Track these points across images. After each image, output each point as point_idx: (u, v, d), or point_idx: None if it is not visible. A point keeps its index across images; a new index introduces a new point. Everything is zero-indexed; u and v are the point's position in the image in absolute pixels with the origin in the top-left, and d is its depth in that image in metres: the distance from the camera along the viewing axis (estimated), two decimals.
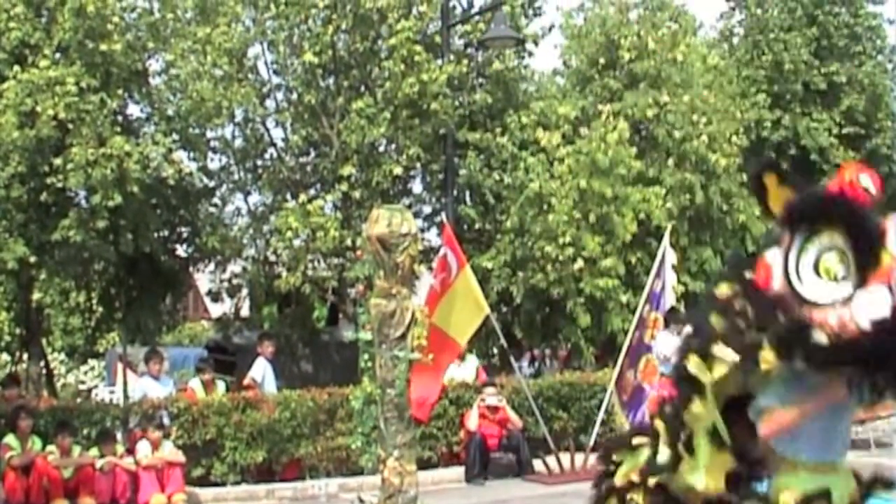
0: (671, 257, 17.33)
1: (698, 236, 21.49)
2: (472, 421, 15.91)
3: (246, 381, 16.78)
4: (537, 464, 16.16)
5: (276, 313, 24.08)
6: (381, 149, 21.26)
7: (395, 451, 7.22)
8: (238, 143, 21.76)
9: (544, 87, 23.53)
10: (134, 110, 19.77)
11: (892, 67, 28.45)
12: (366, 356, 7.49)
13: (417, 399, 14.25)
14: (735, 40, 27.79)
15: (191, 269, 22.93)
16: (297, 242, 19.92)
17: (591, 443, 16.31)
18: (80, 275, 19.34)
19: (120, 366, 21.84)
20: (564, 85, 24.02)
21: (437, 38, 20.95)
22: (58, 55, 17.23)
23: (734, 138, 22.02)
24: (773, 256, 4.27)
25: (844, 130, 25.08)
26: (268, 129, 21.87)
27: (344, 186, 20.11)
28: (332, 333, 24.43)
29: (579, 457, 16.07)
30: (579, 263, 19.09)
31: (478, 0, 22.85)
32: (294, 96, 21.44)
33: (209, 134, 20.78)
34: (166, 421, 14.70)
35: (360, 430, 7.47)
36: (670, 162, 21.13)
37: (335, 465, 15.56)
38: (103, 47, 17.04)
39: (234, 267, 22.65)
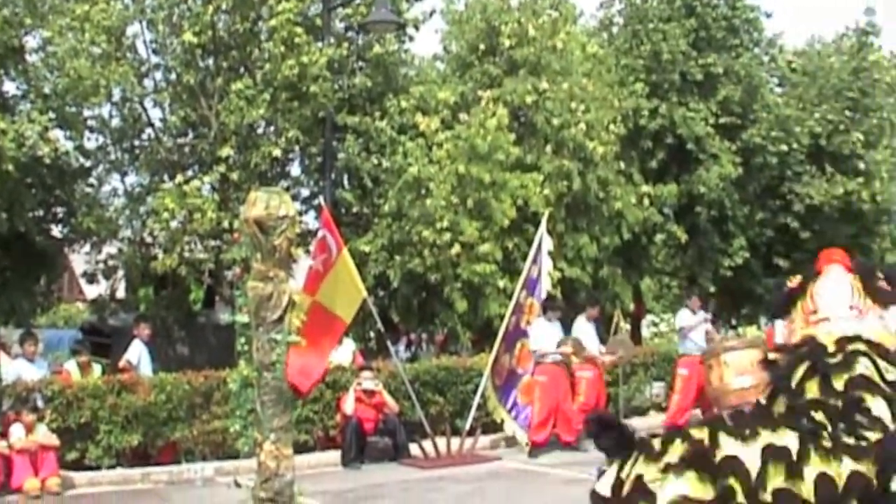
0: (548, 243, 17.49)
1: (575, 223, 21.66)
2: (349, 405, 15.91)
3: (121, 364, 16.62)
4: (413, 448, 16.21)
5: (153, 295, 23.78)
6: (260, 131, 21.17)
7: (272, 435, 7.19)
8: (115, 122, 21.52)
9: (424, 71, 23.56)
10: (10, 87, 19.51)
11: (768, 60, 28.95)
12: (242, 339, 7.44)
13: (301, 371, 14.65)
14: (614, 29, 28.00)
15: (66, 249, 22.65)
16: (173, 224, 19.73)
17: (467, 427, 16.43)
18: None
19: None
20: (444, 70, 24.06)
21: (318, 21, 20.93)
22: None
23: (612, 126, 22.22)
24: None
25: (721, 120, 25.41)
26: (146, 109, 21.63)
27: (222, 168, 19.96)
28: (209, 316, 24.27)
29: (455, 441, 16.18)
30: (457, 248, 19.17)
31: None
32: (173, 76, 21.25)
33: (86, 113, 20.56)
34: (40, 404, 14.43)
35: (236, 414, 7.43)
36: (548, 149, 21.27)
37: (211, 448, 15.45)
38: None
39: (110, 248, 22.40)
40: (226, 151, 20.00)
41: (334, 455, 15.95)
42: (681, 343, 18.99)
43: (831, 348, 5.89)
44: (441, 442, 16.06)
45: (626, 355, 18.85)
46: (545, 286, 17.40)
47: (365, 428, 15.99)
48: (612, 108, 22.73)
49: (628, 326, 25.98)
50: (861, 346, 5.87)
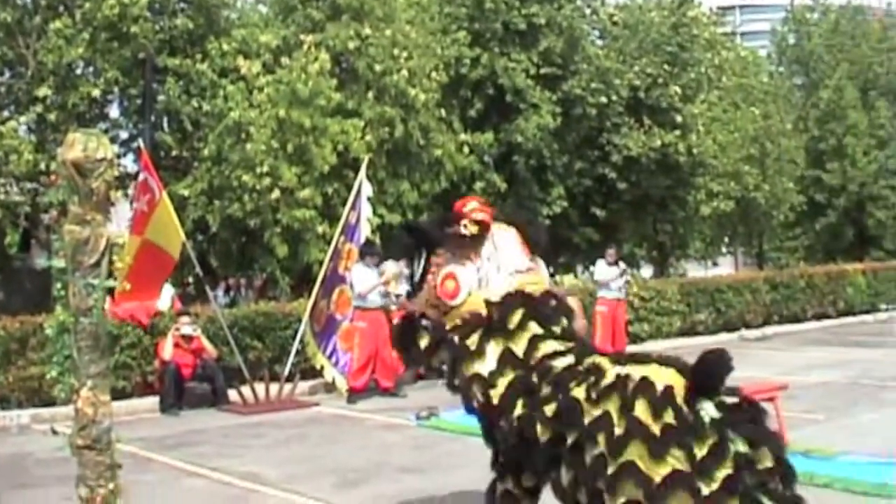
0: (367, 189, 17.55)
1: (396, 169, 21.77)
2: (167, 350, 15.77)
3: None
4: (232, 394, 16.18)
5: None
6: (79, 71, 20.77)
7: (89, 381, 7.09)
8: None
9: (247, 14, 23.36)
10: None
11: (590, 12, 29.39)
12: (59, 284, 7.35)
13: (139, 308, 15.60)
14: None
15: None
16: None
17: (286, 373, 16.44)
18: None
19: None
20: (267, 13, 23.86)
21: None
22: None
23: (434, 74, 22.34)
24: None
25: (542, 71, 25.65)
26: None
27: (39, 108, 19.55)
28: (25, 260, 23.80)
29: (274, 387, 16.17)
30: (276, 193, 19.11)
31: None
32: None
33: None
34: None
35: (53, 360, 7.34)
36: (370, 95, 21.29)
37: (27, 395, 15.19)
38: None
39: None
40: (43, 91, 19.57)
41: (152, 401, 15.82)
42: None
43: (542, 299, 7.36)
44: (260, 388, 16.03)
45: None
46: (364, 232, 17.47)
47: (183, 374, 15.88)
48: (435, 56, 22.84)
49: None
50: (554, 301, 7.43)
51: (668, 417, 5.92)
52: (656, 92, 27.45)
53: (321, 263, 17.41)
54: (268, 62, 20.60)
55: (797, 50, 43.51)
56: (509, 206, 25.69)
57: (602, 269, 20.86)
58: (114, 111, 22.93)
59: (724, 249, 44.09)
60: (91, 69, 20.76)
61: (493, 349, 7.12)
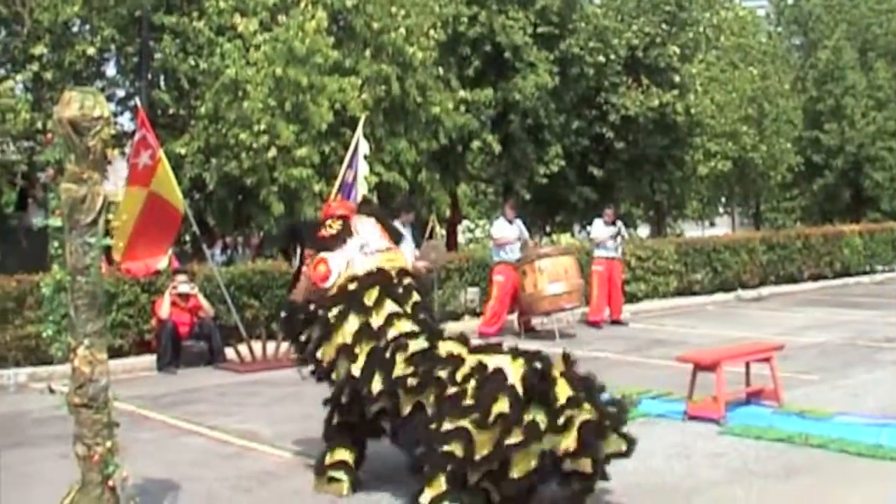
0: (364, 148, 17.51)
1: (393, 127, 21.71)
2: (164, 309, 15.80)
3: None
4: (229, 352, 16.21)
5: None
6: (75, 29, 20.70)
7: (86, 340, 7.10)
8: None
9: None
10: None
11: None
12: (56, 243, 7.32)
13: (146, 262, 15.82)
14: None
15: None
16: None
17: None
18: None
19: None
20: None
21: None
22: None
23: (431, 32, 22.23)
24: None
25: (539, 30, 25.53)
26: None
27: (35, 67, 19.48)
28: (22, 219, 23.80)
29: (271, 345, 16.19)
30: (273, 152, 19.04)
31: None
32: None
33: None
34: None
35: (50, 319, 7.33)
36: (367, 53, 21.21)
37: (24, 354, 15.24)
38: None
39: None
40: (39, 50, 19.50)
41: (149, 359, 15.87)
42: (495, 252, 19.54)
43: (395, 277, 8.57)
44: (256, 346, 16.09)
45: (439, 260, 19.06)
46: (361, 190, 17.44)
47: (180, 332, 15.92)
48: (432, 14, 22.73)
49: (444, 232, 26.27)
50: (408, 279, 8.70)
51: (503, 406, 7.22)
52: (654, 51, 27.40)
53: None
54: (265, 20, 20.47)
55: (795, 10, 43.44)
56: (505, 165, 25.72)
57: (599, 229, 20.84)
58: (110, 69, 22.89)
59: (720, 210, 44.21)
60: (87, 27, 20.67)
61: (353, 322, 8.20)
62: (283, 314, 9.30)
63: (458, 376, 7.56)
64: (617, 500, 8.11)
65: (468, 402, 7.35)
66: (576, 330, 19.57)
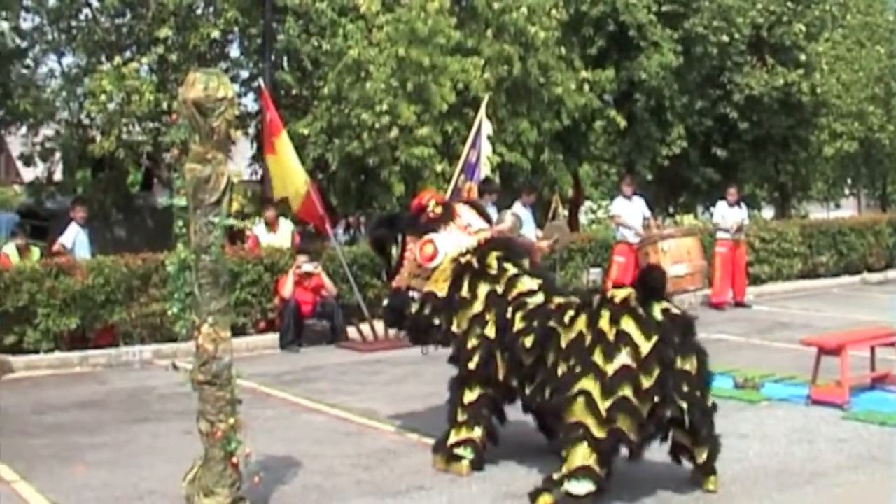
0: (487, 128, 17.50)
1: (515, 108, 21.62)
2: (287, 288, 15.96)
3: (55, 247, 16.49)
4: (351, 331, 16.34)
5: (90, 178, 23.57)
6: (199, 11, 20.91)
7: (210, 318, 7.20)
8: (52, 2, 21.14)
9: None
10: None
11: None
12: (180, 222, 7.41)
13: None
14: None
15: (2, 131, 22.33)
16: (111, 106, 19.57)
17: None
18: None
19: None
20: None
21: None
22: None
23: (554, 11, 22.07)
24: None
25: (663, 8, 25.13)
26: None
27: (160, 49, 19.75)
28: (147, 199, 24.16)
29: None
30: (395, 132, 19.06)
31: None
32: None
33: None
34: None
35: (174, 297, 7.42)
36: (489, 33, 21.13)
37: (149, 331, 15.48)
38: None
39: (47, 130, 22.20)
40: (164, 32, 19.76)
41: (272, 338, 16.05)
42: (617, 230, 19.43)
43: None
44: (379, 325, 16.11)
45: (562, 241, 18.99)
46: (484, 170, 17.43)
47: (303, 311, 16.07)
48: None
49: (566, 212, 26.14)
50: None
51: (624, 323, 7.43)
52: (779, 30, 26.91)
53: None
54: (387, 1, 20.53)
55: None
56: (627, 145, 25.47)
57: (722, 210, 20.60)
58: (234, 51, 23.13)
59: (846, 191, 43.27)
60: (211, 9, 20.90)
61: (482, 292, 8.59)
62: (386, 302, 9.79)
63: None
64: (740, 484, 8.02)
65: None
66: (698, 312, 19.35)
